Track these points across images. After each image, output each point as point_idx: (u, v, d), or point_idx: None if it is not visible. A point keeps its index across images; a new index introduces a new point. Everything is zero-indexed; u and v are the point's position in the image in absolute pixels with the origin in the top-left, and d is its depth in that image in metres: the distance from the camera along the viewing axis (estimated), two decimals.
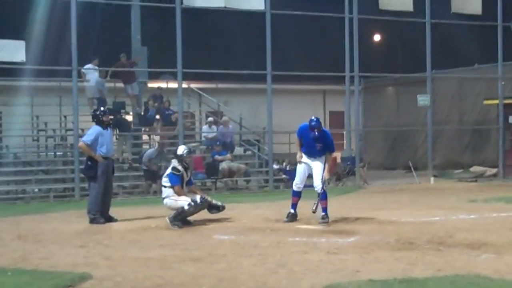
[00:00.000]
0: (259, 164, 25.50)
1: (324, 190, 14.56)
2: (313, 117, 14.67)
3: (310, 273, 9.40)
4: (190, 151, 15.22)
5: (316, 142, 14.53)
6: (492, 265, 9.68)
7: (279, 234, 12.88)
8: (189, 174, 14.90)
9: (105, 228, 14.41)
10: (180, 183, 14.52)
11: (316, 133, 14.40)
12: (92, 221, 14.95)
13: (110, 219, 15.17)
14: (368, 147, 33.45)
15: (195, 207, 14.33)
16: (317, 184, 14.55)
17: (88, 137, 15.24)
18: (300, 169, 14.94)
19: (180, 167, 14.59)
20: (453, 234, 12.29)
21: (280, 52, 25.90)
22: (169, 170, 14.70)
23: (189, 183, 15.02)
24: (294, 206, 14.89)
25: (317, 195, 14.46)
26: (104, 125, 15.35)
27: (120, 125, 23.50)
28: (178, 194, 14.40)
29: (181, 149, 14.93)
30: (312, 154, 14.70)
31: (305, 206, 14.75)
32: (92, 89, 24.98)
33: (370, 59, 32.44)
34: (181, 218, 14.24)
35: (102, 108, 16.30)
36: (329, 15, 26.80)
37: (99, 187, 15.08)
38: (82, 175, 21.24)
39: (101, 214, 15.08)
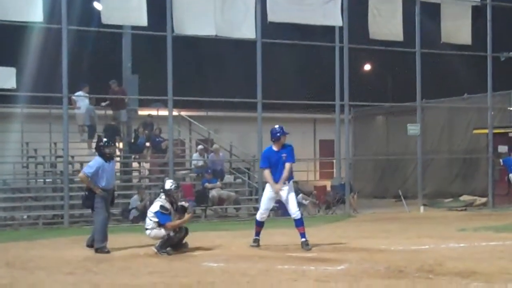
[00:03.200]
0: (249, 192, 25.50)
1: (301, 217, 14.62)
2: (275, 126, 14.88)
3: None
4: (178, 186, 15.04)
5: (281, 154, 14.68)
6: None
7: (268, 261, 12.83)
8: (175, 207, 14.89)
9: (94, 255, 14.34)
10: (170, 220, 14.47)
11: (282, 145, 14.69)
12: (97, 250, 14.75)
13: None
14: (358, 175, 33.51)
15: (180, 232, 14.41)
16: (294, 211, 14.61)
17: (89, 169, 14.97)
18: (267, 198, 14.99)
19: (167, 205, 14.51)
20: (443, 262, 12.27)
21: (270, 81, 25.98)
22: (157, 207, 14.48)
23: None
24: (258, 234, 15.09)
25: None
26: (106, 157, 15.18)
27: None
28: (173, 228, 14.36)
29: (169, 184, 14.81)
30: (279, 176, 14.67)
31: (292, 233, 14.77)
32: (82, 116, 25.01)
33: (360, 88, 32.46)
34: (168, 245, 14.25)
35: (104, 139, 16.11)
36: (319, 44, 26.94)
37: (103, 216, 14.91)
38: (71, 202, 21.32)
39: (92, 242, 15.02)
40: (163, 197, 14.63)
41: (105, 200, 15.03)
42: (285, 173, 14.59)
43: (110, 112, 26.38)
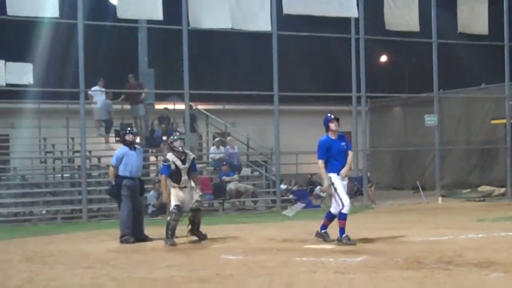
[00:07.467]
0: (267, 184, 25.44)
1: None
2: (328, 115, 14.43)
3: None
4: (179, 137, 15.29)
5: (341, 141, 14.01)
6: (501, 284, 9.62)
7: (287, 254, 12.80)
8: (187, 161, 14.85)
9: (112, 249, 14.37)
10: (167, 173, 14.71)
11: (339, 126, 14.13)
12: (122, 241, 14.86)
13: (145, 239, 15.20)
14: (375, 167, 33.41)
15: (177, 215, 14.61)
16: (347, 204, 13.84)
17: (114, 159, 15.24)
18: (343, 187, 13.90)
19: (169, 157, 14.79)
20: (462, 253, 12.21)
21: (287, 73, 25.90)
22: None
23: (193, 170, 15.10)
24: (326, 227, 14.30)
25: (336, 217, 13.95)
26: (128, 144, 15.34)
27: None
28: (161, 182, 14.95)
29: (171, 137, 15.32)
30: (343, 162, 13.93)
31: (311, 225, 14.73)
32: (99, 111, 25.07)
33: (377, 79, 32.43)
34: (171, 233, 14.58)
35: (128, 129, 16.13)
36: (335, 36, 26.86)
37: (127, 207, 15.00)
38: (89, 197, 21.41)
39: (133, 235, 15.07)
40: (169, 153, 15.06)
41: (132, 190, 15.09)
42: (349, 160, 13.99)
43: (127, 106, 26.39)
